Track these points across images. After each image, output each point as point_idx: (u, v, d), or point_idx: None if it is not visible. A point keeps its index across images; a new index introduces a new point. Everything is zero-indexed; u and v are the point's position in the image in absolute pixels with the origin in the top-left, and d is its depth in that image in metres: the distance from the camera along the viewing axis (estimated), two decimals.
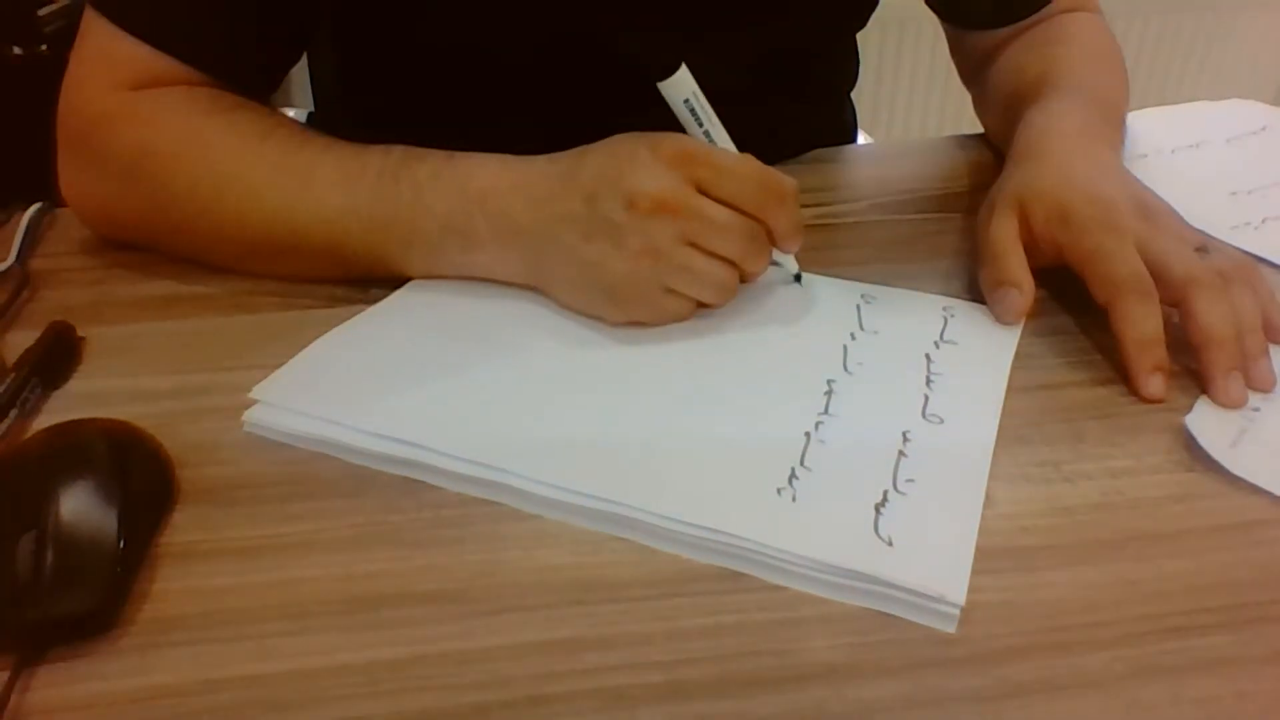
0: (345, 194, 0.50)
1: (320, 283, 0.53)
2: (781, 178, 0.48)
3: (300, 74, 0.84)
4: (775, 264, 0.52)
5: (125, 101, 0.53)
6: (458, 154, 0.51)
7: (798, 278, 0.53)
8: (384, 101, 0.70)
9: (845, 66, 0.78)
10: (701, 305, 0.49)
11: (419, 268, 0.52)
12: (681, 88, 0.48)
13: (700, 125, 0.49)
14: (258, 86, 0.57)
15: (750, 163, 0.47)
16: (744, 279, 0.50)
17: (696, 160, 0.46)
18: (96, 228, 0.58)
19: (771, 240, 0.49)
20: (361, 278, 0.52)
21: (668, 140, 0.47)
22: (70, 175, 0.55)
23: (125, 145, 0.53)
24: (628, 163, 0.46)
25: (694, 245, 0.46)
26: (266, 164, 0.51)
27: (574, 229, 0.47)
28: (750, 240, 0.47)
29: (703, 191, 0.46)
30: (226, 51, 0.55)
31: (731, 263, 0.48)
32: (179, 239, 0.55)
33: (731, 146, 0.50)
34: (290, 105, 1.26)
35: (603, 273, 0.47)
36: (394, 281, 0.53)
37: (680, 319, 0.49)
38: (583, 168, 0.48)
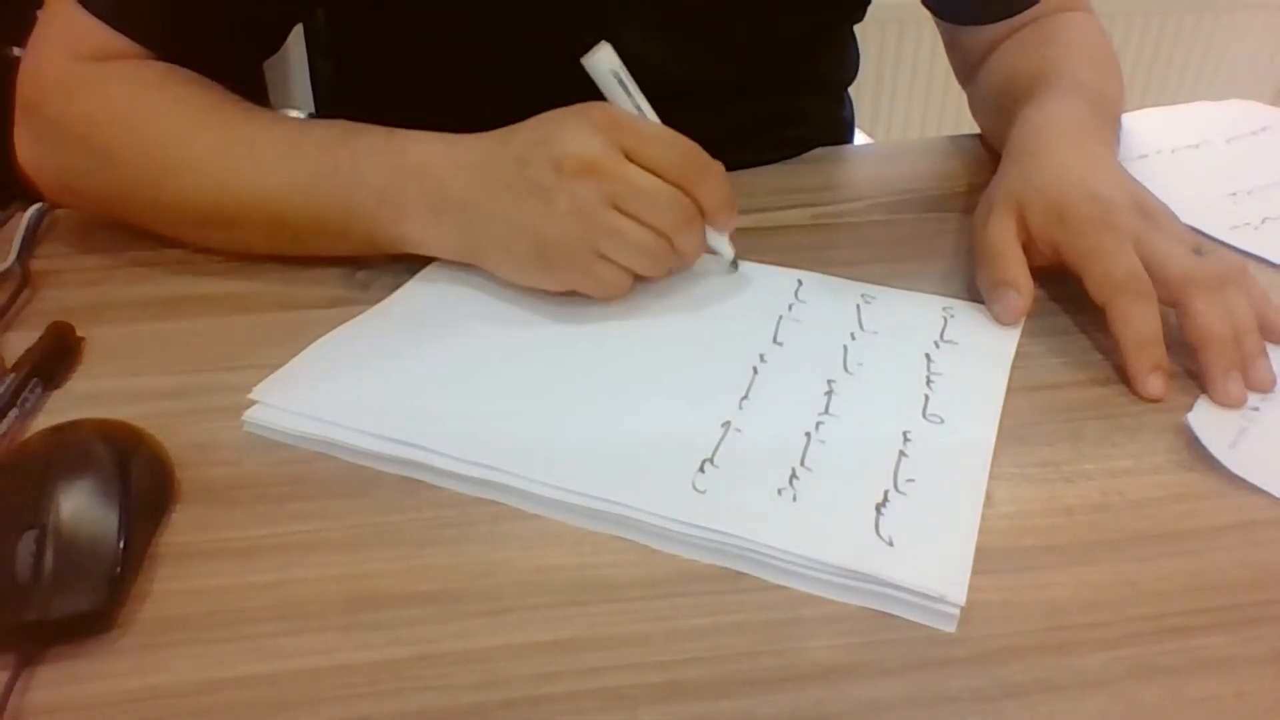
0: (286, 166, 0.51)
1: (319, 283, 0.53)
2: (706, 155, 0.49)
3: (300, 74, 0.84)
4: (712, 251, 0.53)
5: (81, 72, 0.54)
6: (398, 130, 0.52)
7: (735, 264, 0.54)
8: (383, 101, 0.70)
9: (844, 60, 0.78)
10: (639, 279, 0.50)
11: (360, 241, 0.52)
12: (607, 62, 0.49)
13: (629, 97, 0.50)
14: (222, 75, 0.57)
15: (675, 134, 0.48)
16: (680, 260, 0.50)
17: (622, 127, 0.47)
18: (54, 196, 0.58)
19: (702, 215, 0.49)
20: (313, 254, 0.53)
21: (596, 108, 0.48)
22: (25, 142, 0.55)
23: (77, 115, 0.53)
24: (556, 128, 0.48)
25: (621, 209, 0.47)
26: (211, 138, 0.52)
27: (505, 195, 0.48)
28: (676, 209, 0.48)
29: (629, 158, 0.47)
30: (187, 38, 0.55)
31: (661, 232, 0.48)
32: (131, 210, 0.55)
33: (658, 122, 0.51)
34: (290, 105, 1.26)
35: (534, 237, 0.48)
36: (393, 283, 0.53)
37: (618, 291, 0.50)
38: (514, 137, 0.49)
